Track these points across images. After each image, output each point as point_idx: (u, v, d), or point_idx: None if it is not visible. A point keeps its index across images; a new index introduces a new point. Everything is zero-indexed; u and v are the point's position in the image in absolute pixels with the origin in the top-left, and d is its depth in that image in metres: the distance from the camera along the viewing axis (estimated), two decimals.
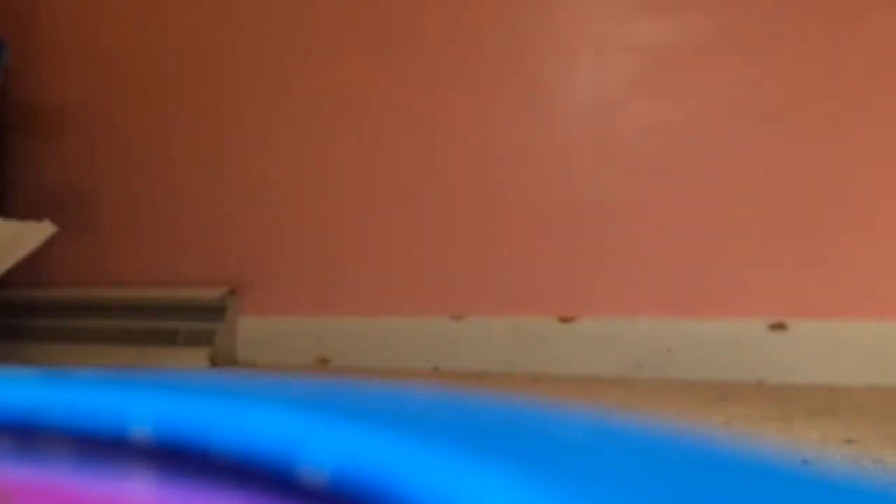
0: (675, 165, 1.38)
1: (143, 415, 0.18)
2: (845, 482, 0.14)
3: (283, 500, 0.16)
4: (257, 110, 1.71)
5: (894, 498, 0.13)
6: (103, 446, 0.19)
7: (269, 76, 1.70)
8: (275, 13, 1.70)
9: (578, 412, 0.18)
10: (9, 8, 1.97)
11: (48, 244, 1.43)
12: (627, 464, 0.15)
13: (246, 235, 1.71)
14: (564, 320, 1.42)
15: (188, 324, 1.70)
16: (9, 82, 1.92)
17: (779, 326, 1.29)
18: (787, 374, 1.27)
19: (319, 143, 1.65)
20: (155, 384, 0.20)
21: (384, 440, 0.15)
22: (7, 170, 1.98)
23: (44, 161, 1.95)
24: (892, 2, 1.27)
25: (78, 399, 0.19)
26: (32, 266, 1.59)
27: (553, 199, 1.45)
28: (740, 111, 1.34)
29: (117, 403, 0.19)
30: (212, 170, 1.75)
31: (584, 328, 1.40)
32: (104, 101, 1.89)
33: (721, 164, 1.35)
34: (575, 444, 0.16)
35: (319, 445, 0.15)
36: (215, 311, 1.69)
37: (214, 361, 1.63)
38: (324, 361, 1.61)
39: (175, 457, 0.17)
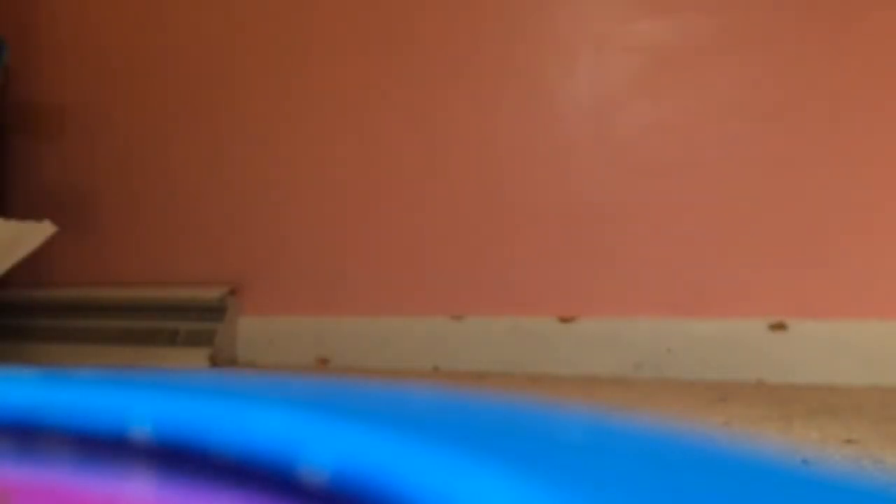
0: (675, 165, 1.38)
1: (143, 415, 0.18)
2: (845, 482, 0.14)
3: (283, 500, 0.16)
4: (257, 110, 1.71)
5: (894, 498, 0.13)
6: (103, 446, 0.19)
7: (269, 76, 1.70)
8: (275, 13, 1.70)
9: (578, 412, 0.18)
10: (9, 8, 1.97)
11: (48, 244, 1.43)
12: (627, 464, 0.15)
13: (246, 235, 1.71)
14: (564, 320, 1.42)
15: (188, 324, 1.70)
16: (9, 82, 1.92)
17: (779, 326, 1.29)
18: (787, 374, 1.27)
19: (319, 143, 1.65)
20: (155, 384, 0.20)
21: (384, 440, 0.15)
22: (7, 170, 1.98)
23: (44, 161, 1.95)
24: (892, 2, 1.27)
25: (78, 399, 0.19)
26: (32, 266, 1.59)
27: (553, 199, 1.45)
28: (740, 111, 1.34)
29: (117, 403, 0.19)
30: (212, 170, 1.75)
31: (584, 328, 1.40)
32: (104, 101, 1.89)
33: (721, 164, 1.35)
34: (575, 444, 0.16)
35: (319, 445, 0.15)
36: (215, 311, 1.69)
37: (214, 361, 1.63)
38: (324, 361, 1.61)
39: (175, 457, 0.17)
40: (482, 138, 1.51)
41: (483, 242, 1.50)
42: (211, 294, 1.69)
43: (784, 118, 1.32)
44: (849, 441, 0.77)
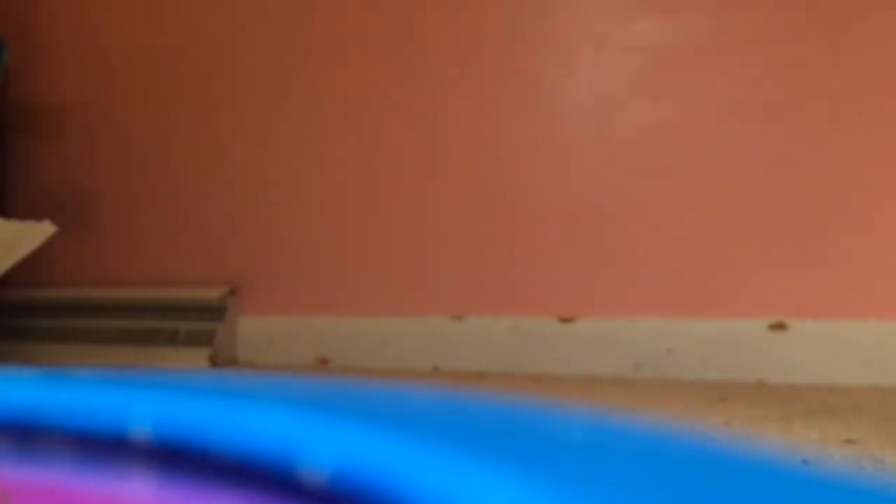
0: (675, 165, 1.38)
1: (143, 415, 0.18)
2: (845, 482, 0.14)
3: (283, 500, 0.16)
4: (257, 110, 1.71)
5: (894, 498, 0.13)
6: (103, 446, 0.19)
7: (269, 76, 1.70)
8: (275, 13, 1.70)
9: (578, 412, 0.18)
10: (9, 8, 1.97)
11: (48, 244, 1.43)
12: (627, 464, 0.15)
13: (246, 235, 1.71)
14: (564, 320, 1.42)
15: (188, 324, 1.70)
16: (9, 82, 1.92)
17: (779, 326, 1.29)
18: (787, 374, 1.27)
19: (319, 143, 1.65)
20: (155, 384, 0.20)
21: (384, 440, 0.15)
22: (7, 170, 1.98)
23: (44, 161, 1.95)
24: (892, 2, 1.27)
25: (78, 399, 0.19)
26: (32, 266, 1.59)
27: (553, 199, 1.45)
28: (740, 111, 1.34)
29: (117, 403, 0.19)
30: (212, 170, 1.75)
31: (584, 328, 1.40)
32: (104, 101, 1.89)
33: (721, 164, 1.35)
34: (575, 444, 0.16)
35: (319, 445, 0.15)
36: (215, 311, 1.69)
37: (214, 361, 1.63)
38: (324, 361, 1.61)
39: (175, 457, 0.17)
40: (482, 138, 1.51)
41: (483, 242, 1.50)
42: (211, 294, 1.69)
43: (784, 118, 1.32)
44: (849, 441, 0.77)
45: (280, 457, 0.16)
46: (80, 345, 1.78)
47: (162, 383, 0.20)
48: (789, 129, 1.32)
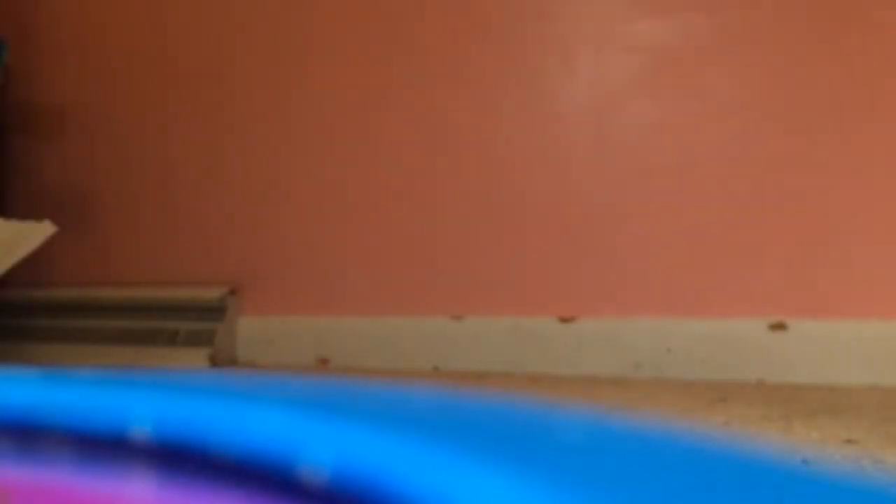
0: (675, 165, 1.38)
1: (143, 415, 0.18)
2: (845, 482, 0.14)
3: (283, 500, 0.16)
4: (257, 110, 1.71)
5: (894, 498, 0.13)
6: (103, 446, 0.19)
7: (268, 76, 1.70)
8: (275, 13, 1.70)
9: (578, 412, 0.18)
10: (9, 8, 1.97)
11: (48, 244, 1.43)
12: (627, 464, 0.15)
13: (246, 235, 1.71)
14: (564, 320, 1.42)
15: (188, 324, 1.70)
16: (9, 82, 1.92)
17: (779, 326, 1.29)
18: (787, 374, 1.27)
19: (319, 143, 1.65)
20: (155, 384, 0.20)
21: (384, 440, 0.15)
22: (7, 170, 1.98)
23: (44, 161, 1.95)
24: (892, 2, 1.27)
25: (78, 399, 0.19)
26: (32, 266, 1.59)
27: (553, 199, 1.45)
28: (740, 111, 1.34)
29: (117, 403, 0.19)
30: (212, 170, 1.75)
31: (584, 328, 1.40)
32: (104, 101, 1.89)
33: (721, 164, 1.35)
34: (575, 445, 0.16)
35: (319, 445, 0.15)
36: (215, 311, 1.69)
37: (214, 361, 1.63)
38: (324, 361, 1.61)
39: (175, 457, 0.17)
40: (482, 138, 1.51)
41: (483, 242, 1.50)
42: (211, 294, 1.69)
43: (784, 118, 1.32)
44: (849, 441, 0.77)
45: (280, 457, 0.16)
46: (80, 345, 1.78)
47: (162, 383, 0.20)
48: (789, 129, 1.32)
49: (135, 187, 1.84)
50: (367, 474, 0.15)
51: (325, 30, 1.65)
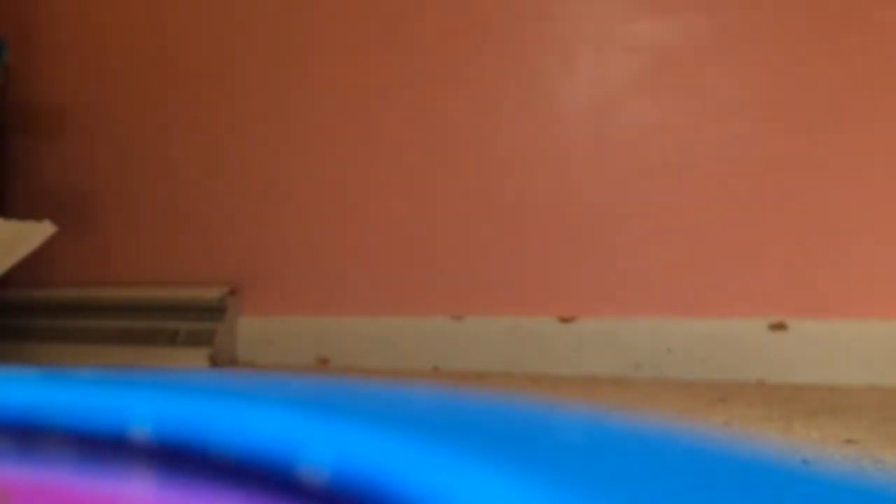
0: (675, 165, 1.38)
1: (143, 415, 0.18)
2: (845, 482, 0.14)
3: (283, 500, 0.16)
4: (257, 110, 1.71)
5: (894, 498, 0.13)
6: (103, 446, 0.19)
7: (268, 76, 1.70)
8: (275, 13, 1.70)
9: (578, 412, 0.18)
10: (9, 8, 1.97)
11: (48, 244, 1.43)
12: (627, 464, 0.15)
13: (246, 235, 1.71)
14: (564, 320, 1.42)
15: (188, 324, 1.70)
16: (9, 82, 1.92)
17: (779, 326, 1.29)
18: (787, 374, 1.27)
19: (319, 143, 1.65)
20: (155, 384, 0.20)
21: (384, 440, 0.15)
22: (7, 170, 1.98)
23: (44, 161, 1.95)
24: (892, 2, 1.27)
25: (78, 399, 0.19)
26: (32, 266, 1.59)
27: (553, 199, 1.45)
28: (740, 111, 1.34)
29: (117, 403, 0.19)
30: (212, 170, 1.75)
31: (584, 328, 1.40)
32: (104, 101, 1.89)
33: (721, 164, 1.35)
34: (575, 445, 0.16)
35: (319, 445, 0.15)
36: (215, 311, 1.69)
37: (214, 361, 1.63)
38: (324, 361, 1.61)
39: (175, 457, 0.17)
40: (482, 138, 1.51)
41: (483, 242, 1.50)
42: (211, 294, 1.69)
43: (784, 118, 1.32)
44: (849, 441, 0.77)
45: (280, 457, 0.16)
46: (80, 345, 1.78)
47: (162, 383, 0.20)
48: (789, 129, 1.32)
49: (135, 187, 1.84)
50: (367, 474, 0.15)
51: (324, 30, 1.65)
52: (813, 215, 1.29)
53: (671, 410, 1.00)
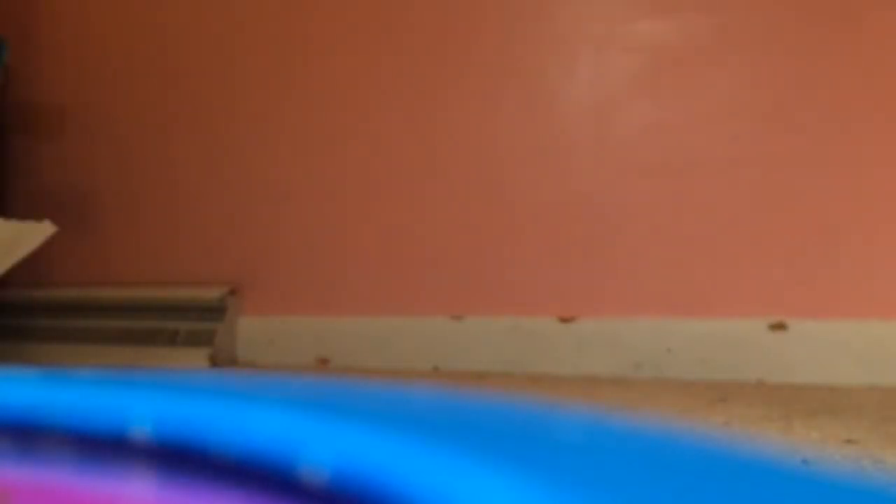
0: (675, 165, 1.38)
1: (143, 415, 0.18)
2: (845, 482, 0.14)
3: (283, 500, 0.16)
4: (257, 110, 1.71)
5: (894, 498, 0.13)
6: (103, 446, 0.19)
7: (269, 76, 1.70)
8: (275, 13, 1.70)
9: (578, 412, 0.18)
10: (9, 8, 1.97)
11: (48, 244, 1.43)
12: (627, 464, 0.15)
13: (246, 235, 1.71)
14: (564, 320, 1.42)
15: (188, 324, 1.70)
16: (9, 82, 1.92)
17: (779, 326, 1.29)
18: (787, 374, 1.27)
19: (319, 144, 1.65)
20: (155, 384, 0.20)
21: (384, 440, 0.15)
22: (7, 170, 1.98)
23: (44, 161, 1.95)
24: (892, 2, 1.27)
25: (78, 399, 0.19)
26: (32, 266, 1.59)
27: (553, 199, 1.45)
28: (740, 111, 1.34)
29: (117, 403, 0.19)
30: (212, 170, 1.75)
31: (584, 328, 1.40)
32: (104, 101, 1.89)
33: (721, 164, 1.35)
34: (575, 445, 0.16)
35: (319, 445, 0.15)
36: (215, 311, 1.69)
37: (214, 361, 1.63)
38: (324, 361, 1.61)
39: (175, 457, 0.17)
40: (482, 138, 1.51)
41: (483, 242, 1.50)
42: (211, 294, 1.69)
43: (784, 118, 1.32)
44: (849, 441, 0.77)
45: (280, 457, 0.16)
46: (80, 345, 1.78)
47: (162, 383, 0.20)
48: (789, 129, 1.32)
49: (135, 187, 1.84)
50: (367, 474, 0.15)
51: (324, 30, 1.65)
52: (813, 215, 1.29)
53: (671, 410, 1.00)
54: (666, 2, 1.40)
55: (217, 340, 1.65)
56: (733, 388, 1.21)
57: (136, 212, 1.84)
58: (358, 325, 1.58)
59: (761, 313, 1.30)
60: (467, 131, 1.52)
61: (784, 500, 0.13)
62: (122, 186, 1.85)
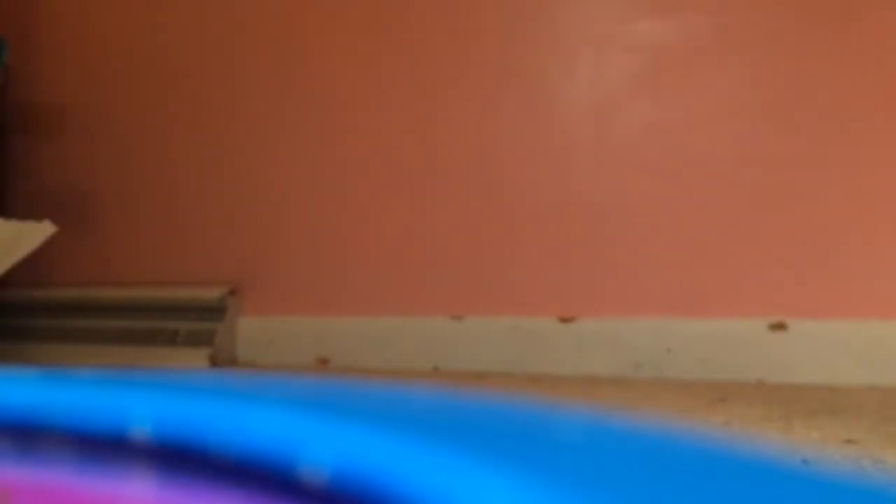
0: (675, 165, 1.38)
1: (143, 415, 0.18)
2: (845, 482, 0.14)
3: (283, 500, 0.16)
4: (257, 110, 1.71)
5: (894, 498, 0.13)
6: (103, 446, 0.19)
7: (269, 76, 1.70)
8: (275, 13, 1.70)
9: (578, 412, 0.18)
10: (9, 8, 1.97)
11: (48, 244, 1.43)
12: (628, 464, 0.15)
13: (246, 235, 1.71)
14: (564, 320, 1.42)
15: (188, 324, 1.70)
16: (9, 82, 1.92)
17: (779, 326, 1.29)
18: (787, 374, 1.27)
19: (319, 143, 1.65)
20: (155, 384, 0.20)
21: (384, 440, 0.15)
22: (7, 170, 1.98)
23: (44, 161, 1.95)
24: (892, 2, 1.27)
25: (78, 399, 0.19)
26: (32, 266, 1.59)
27: (553, 199, 1.45)
28: (740, 111, 1.34)
29: (117, 403, 0.19)
30: (212, 170, 1.75)
31: (584, 328, 1.40)
32: (104, 101, 1.89)
33: (721, 164, 1.35)
34: (575, 445, 0.16)
35: (319, 445, 0.15)
36: (215, 311, 1.69)
37: (214, 361, 1.63)
38: (324, 361, 1.61)
39: (175, 457, 0.17)
40: (482, 138, 1.51)
41: (483, 242, 1.50)
42: (211, 294, 1.69)
43: (784, 118, 1.32)
44: (849, 441, 0.77)
45: (280, 457, 0.16)
46: (80, 345, 1.78)
47: (162, 383, 0.20)
48: (789, 129, 1.32)
49: (135, 187, 1.84)
50: (367, 474, 0.15)
51: (325, 30, 1.65)
52: (813, 215, 1.29)
53: (671, 410, 1.00)
54: (666, 2, 1.40)
55: (217, 340, 1.65)
56: (733, 388, 1.21)
57: (136, 212, 1.84)
58: (358, 325, 1.58)
59: (761, 313, 1.30)
60: (467, 131, 1.52)
61: (784, 500, 0.13)
62: (122, 186, 1.85)
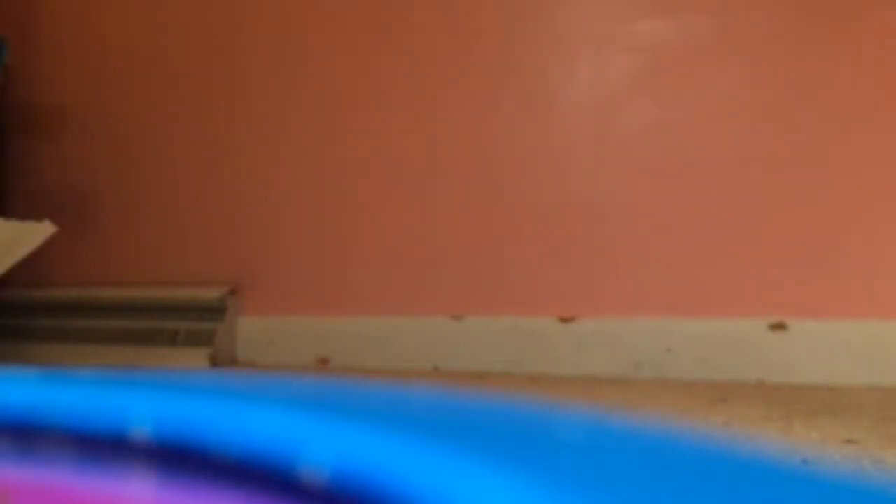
0: (675, 165, 1.38)
1: (143, 415, 0.18)
2: (845, 482, 0.14)
3: (283, 500, 0.16)
4: (257, 110, 1.71)
5: (894, 498, 0.13)
6: (103, 446, 0.19)
7: (269, 76, 1.70)
8: (275, 13, 1.70)
9: (578, 412, 0.18)
10: (9, 8, 1.97)
11: (48, 244, 1.43)
12: (628, 464, 0.15)
13: (246, 235, 1.71)
14: (564, 320, 1.42)
15: (188, 324, 1.70)
16: (9, 82, 1.92)
17: (779, 326, 1.29)
18: (787, 374, 1.27)
19: (319, 143, 1.65)
20: (155, 384, 0.20)
21: (384, 440, 0.15)
22: (7, 170, 1.98)
23: (44, 161, 1.95)
24: (892, 2, 1.27)
25: (78, 399, 0.19)
26: (32, 266, 1.59)
27: (553, 199, 1.45)
28: (740, 111, 1.34)
29: (117, 403, 0.19)
30: (212, 170, 1.75)
31: (584, 328, 1.40)
32: (104, 101, 1.89)
33: (721, 164, 1.35)
34: (575, 445, 0.16)
35: (319, 445, 0.15)
36: (215, 311, 1.69)
37: (214, 361, 1.63)
38: (324, 361, 1.61)
39: (175, 457, 0.17)
40: (482, 138, 1.51)
41: (483, 242, 1.50)
42: (211, 294, 1.69)
43: (784, 118, 1.32)
44: (849, 441, 0.77)
45: (280, 457, 0.16)
46: (80, 345, 1.78)
47: (162, 383, 0.20)
48: (789, 129, 1.32)
49: (135, 187, 1.84)
50: (367, 474, 0.15)
51: (325, 30, 1.65)
52: (813, 215, 1.29)
53: (671, 410, 1.00)
54: (666, 2, 1.40)
55: (217, 340, 1.65)
56: (733, 388, 1.21)
57: (136, 212, 1.84)
58: (358, 325, 1.58)
59: (761, 313, 1.30)
60: (467, 131, 1.52)
61: (784, 500, 0.13)
62: (122, 186, 1.85)
